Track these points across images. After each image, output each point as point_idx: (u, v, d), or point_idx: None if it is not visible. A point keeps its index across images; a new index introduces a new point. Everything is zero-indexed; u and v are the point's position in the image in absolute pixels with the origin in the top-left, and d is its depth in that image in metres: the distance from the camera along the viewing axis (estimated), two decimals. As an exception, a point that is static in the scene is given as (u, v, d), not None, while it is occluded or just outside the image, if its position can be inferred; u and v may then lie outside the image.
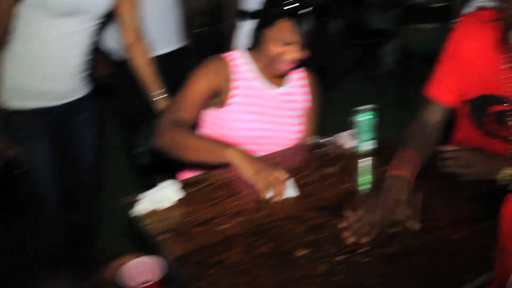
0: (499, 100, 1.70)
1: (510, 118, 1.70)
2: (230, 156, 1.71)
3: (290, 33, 1.82)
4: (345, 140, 2.01)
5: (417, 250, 1.38)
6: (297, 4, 1.81)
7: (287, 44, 1.85)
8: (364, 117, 1.89)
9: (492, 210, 1.43)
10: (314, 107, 2.18)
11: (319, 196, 1.66)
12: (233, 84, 1.96)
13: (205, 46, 5.62)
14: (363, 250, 1.38)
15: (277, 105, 2.05)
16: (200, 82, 1.91)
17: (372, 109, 1.90)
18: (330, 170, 1.83)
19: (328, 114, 4.11)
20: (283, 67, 1.91)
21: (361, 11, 5.91)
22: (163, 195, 1.61)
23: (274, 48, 1.86)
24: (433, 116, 1.83)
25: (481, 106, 1.75)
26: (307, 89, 2.15)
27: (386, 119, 1.88)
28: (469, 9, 2.77)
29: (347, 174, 1.81)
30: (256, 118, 1.98)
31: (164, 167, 2.11)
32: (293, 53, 1.87)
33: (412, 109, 1.91)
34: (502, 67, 1.67)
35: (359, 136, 1.92)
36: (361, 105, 1.95)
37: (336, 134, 2.07)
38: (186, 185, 1.72)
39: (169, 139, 1.80)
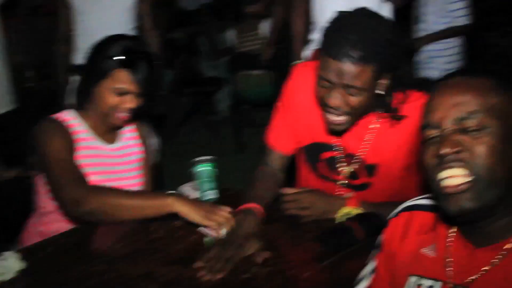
0: (329, 147, 1.86)
1: (339, 163, 1.87)
2: (175, 206, 1.72)
3: (125, 83, 1.85)
4: (188, 191, 2.06)
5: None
6: (131, 53, 1.86)
7: (123, 94, 1.87)
8: (204, 167, 1.96)
9: (335, 246, 1.59)
10: (147, 159, 2.19)
11: (169, 251, 1.68)
12: (75, 146, 1.93)
13: (33, 104, 5.40)
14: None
15: (114, 161, 2.05)
16: (59, 149, 1.86)
17: (212, 159, 1.98)
18: (177, 223, 1.86)
19: (170, 165, 4.18)
20: (120, 117, 1.92)
21: (193, 60, 6.10)
22: (3, 268, 1.52)
23: (110, 99, 1.87)
24: (274, 163, 1.98)
25: (314, 153, 1.90)
26: (139, 141, 2.16)
27: (225, 165, 1.96)
28: (307, 51, 3.01)
29: (194, 225, 1.85)
30: (97, 178, 1.95)
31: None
32: (130, 103, 1.89)
33: (249, 153, 2.03)
34: None
35: (201, 187, 1.98)
36: (202, 154, 2.02)
37: (179, 186, 2.10)
38: (27, 253, 1.64)
39: (98, 203, 1.74)
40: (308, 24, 3.01)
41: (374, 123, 1.77)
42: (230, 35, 5.27)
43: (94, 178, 1.93)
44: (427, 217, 1.22)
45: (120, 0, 3.01)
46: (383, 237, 1.31)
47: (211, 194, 1.98)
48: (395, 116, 1.72)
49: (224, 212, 1.72)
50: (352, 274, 1.51)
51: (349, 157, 1.84)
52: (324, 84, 1.62)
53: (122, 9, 3.03)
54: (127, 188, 1.97)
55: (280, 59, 4.23)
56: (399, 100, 1.71)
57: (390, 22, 1.65)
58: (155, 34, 3.24)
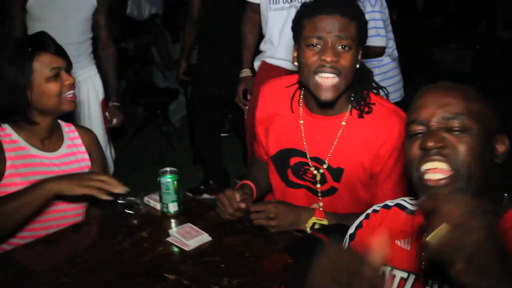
0: (297, 152, 1.90)
1: (307, 168, 1.89)
2: (53, 187, 1.72)
3: (51, 62, 1.87)
4: (151, 202, 2.03)
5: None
6: (34, 40, 1.91)
7: (57, 75, 1.88)
8: (167, 179, 1.93)
9: (303, 255, 1.60)
10: (96, 166, 2.12)
11: (134, 263, 1.65)
12: (6, 155, 1.86)
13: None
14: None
15: (54, 169, 1.95)
16: None
17: (175, 171, 1.96)
18: (143, 234, 1.83)
19: (126, 174, 4.12)
20: (70, 98, 1.93)
21: (146, 70, 6.03)
22: None
23: (50, 88, 1.86)
24: (260, 162, 2.12)
25: (283, 160, 1.94)
26: (83, 149, 2.09)
27: (183, 176, 1.96)
28: (256, 62, 3.08)
29: (161, 236, 1.83)
30: None
31: None
32: (68, 78, 1.91)
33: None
34: (300, 122, 1.88)
35: (163, 198, 1.95)
36: (158, 164, 2.00)
37: (144, 196, 2.07)
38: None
39: None
40: (259, 36, 3.10)
41: (341, 124, 1.82)
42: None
43: None
44: (405, 217, 1.28)
45: (79, 10, 2.96)
46: (358, 228, 1.36)
47: (174, 206, 1.95)
48: (364, 108, 1.79)
49: (101, 176, 1.79)
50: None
51: (316, 161, 1.87)
52: (315, 48, 1.68)
53: (81, 19, 2.99)
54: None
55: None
56: (365, 97, 1.81)
57: None
58: (112, 45, 3.20)
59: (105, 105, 3.20)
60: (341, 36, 1.65)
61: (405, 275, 1.19)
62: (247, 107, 3.12)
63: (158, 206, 2.01)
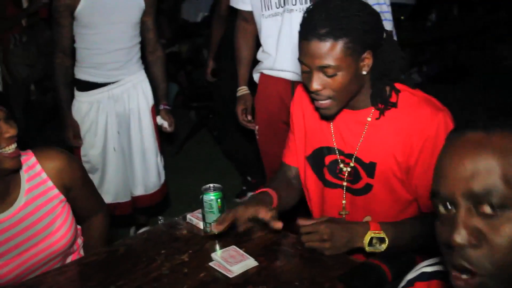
0: (331, 150, 1.80)
1: (341, 165, 1.78)
2: None
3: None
4: (193, 220, 1.88)
5: None
6: None
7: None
8: (210, 197, 1.78)
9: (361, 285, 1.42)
10: (80, 186, 1.85)
11: (173, 290, 1.51)
12: None
13: (35, 117, 5.26)
14: None
15: (15, 232, 1.70)
16: None
17: (219, 188, 1.81)
18: (184, 257, 1.68)
19: (182, 180, 4.02)
20: (10, 155, 1.60)
21: (198, 73, 5.94)
22: None
23: None
24: (288, 172, 1.99)
25: (318, 159, 1.84)
26: (50, 184, 1.76)
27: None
28: (255, 74, 2.82)
29: (201, 260, 1.68)
30: (2, 261, 1.67)
31: None
32: (7, 130, 1.57)
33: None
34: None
35: (206, 217, 1.80)
36: (210, 171, 1.85)
37: (187, 214, 1.93)
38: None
39: None
40: (255, 48, 2.87)
41: (369, 117, 1.71)
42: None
43: (2, 261, 1.67)
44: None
45: (128, 14, 2.87)
46: None
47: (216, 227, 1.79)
48: (388, 105, 1.67)
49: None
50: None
51: (348, 157, 1.77)
52: (305, 70, 1.63)
53: (130, 23, 2.90)
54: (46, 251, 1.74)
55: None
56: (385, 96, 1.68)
57: (362, 2, 1.61)
58: (160, 48, 3.11)
59: (155, 111, 3.11)
60: (322, 65, 1.56)
61: None
62: (256, 127, 2.88)
63: (201, 225, 1.86)
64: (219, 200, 1.78)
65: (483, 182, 0.80)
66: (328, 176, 1.83)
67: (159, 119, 3.15)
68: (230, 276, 1.57)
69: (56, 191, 1.77)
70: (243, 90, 2.96)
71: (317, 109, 1.70)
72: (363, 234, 1.63)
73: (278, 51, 2.61)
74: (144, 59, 3.10)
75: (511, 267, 0.79)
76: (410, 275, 1.13)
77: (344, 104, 1.67)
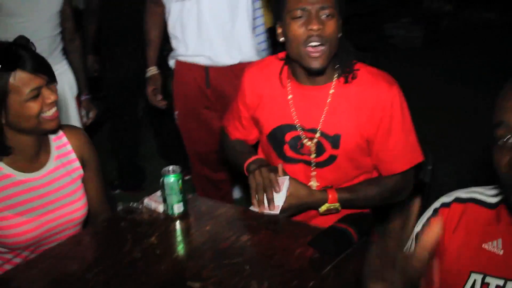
0: (292, 127, 1.88)
1: (303, 141, 1.88)
2: None
3: (29, 82, 1.64)
4: (153, 204, 1.90)
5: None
6: (10, 53, 1.66)
7: (37, 95, 1.66)
8: (172, 178, 1.81)
9: (334, 250, 1.53)
10: (92, 168, 1.96)
11: (151, 273, 1.54)
12: None
13: None
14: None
15: (43, 192, 1.79)
16: None
17: (179, 169, 1.84)
18: (153, 240, 1.71)
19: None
20: (51, 117, 1.72)
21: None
22: None
23: (30, 108, 1.64)
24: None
25: (278, 137, 1.91)
26: (73, 156, 1.90)
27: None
28: (171, 61, 2.87)
29: (170, 241, 1.72)
30: (28, 217, 1.74)
31: None
32: (49, 96, 1.69)
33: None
34: (288, 98, 1.87)
35: (168, 199, 1.83)
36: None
37: (144, 198, 1.94)
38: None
39: None
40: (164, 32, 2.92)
41: (331, 92, 1.83)
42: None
43: (25, 218, 1.72)
44: (486, 212, 1.17)
45: (51, 3, 2.83)
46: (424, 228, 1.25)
47: (179, 207, 1.83)
48: (350, 75, 1.81)
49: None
50: (357, 276, 1.47)
51: (311, 132, 1.87)
52: (300, 15, 1.71)
53: (53, 11, 2.85)
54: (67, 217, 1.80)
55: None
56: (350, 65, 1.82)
57: None
58: (78, 37, 3.05)
59: (79, 100, 3.04)
60: (323, 6, 1.69)
61: (501, 282, 1.09)
62: (176, 112, 2.92)
63: (159, 208, 1.88)
64: (179, 181, 1.81)
65: None
66: (289, 153, 1.91)
67: (83, 110, 3.09)
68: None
69: (78, 163, 1.91)
70: (152, 70, 2.97)
71: (307, 62, 1.74)
72: (320, 204, 1.79)
73: (187, 36, 2.64)
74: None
75: None
76: (444, 199, 1.26)
77: (329, 60, 1.75)
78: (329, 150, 1.85)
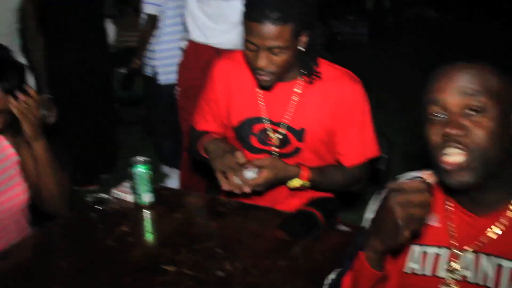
0: (259, 119, 1.92)
1: (270, 133, 1.92)
2: None
3: None
4: (122, 194, 1.94)
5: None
6: None
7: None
8: (141, 169, 1.85)
9: (302, 232, 1.61)
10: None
11: (126, 259, 1.58)
12: None
13: None
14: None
15: None
16: None
17: (148, 160, 1.88)
18: (123, 228, 1.74)
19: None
20: None
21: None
22: None
23: None
24: None
25: (245, 129, 1.95)
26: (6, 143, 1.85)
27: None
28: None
29: (142, 228, 1.76)
30: None
31: None
32: None
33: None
34: (257, 90, 1.91)
35: (137, 189, 1.87)
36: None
37: (113, 188, 1.97)
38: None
39: None
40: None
41: (297, 88, 1.88)
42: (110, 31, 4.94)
43: None
44: None
45: (7, 1, 2.80)
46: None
47: (149, 197, 1.87)
48: (315, 75, 1.85)
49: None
50: (325, 256, 1.56)
51: (277, 125, 1.92)
52: (250, 48, 1.73)
53: (8, 7, 2.81)
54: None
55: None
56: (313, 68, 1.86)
57: None
58: (40, 35, 3.01)
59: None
60: (272, 46, 1.68)
61: (437, 250, 1.22)
62: (178, 88, 3.08)
63: (128, 198, 1.91)
64: (149, 171, 1.85)
65: (471, 91, 1.10)
66: (256, 143, 1.95)
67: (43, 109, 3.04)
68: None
69: (11, 150, 1.84)
70: None
71: (257, 80, 1.80)
72: (292, 177, 1.83)
73: (204, 20, 2.84)
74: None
75: (488, 151, 1.09)
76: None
77: (281, 77, 1.80)
78: (294, 143, 1.91)
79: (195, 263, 1.54)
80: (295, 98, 1.88)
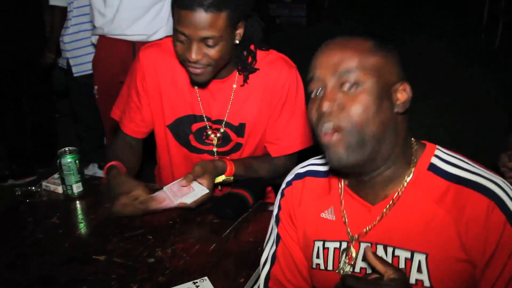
0: (197, 118, 1.88)
1: (209, 132, 1.89)
2: None
3: None
4: (51, 186, 1.91)
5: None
6: None
7: None
8: (69, 159, 1.82)
9: (233, 214, 1.64)
10: None
11: (56, 251, 1.57)
12: None
13: None
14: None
15: None
16: None
17: (74, 150, 1.86)
18: (54, 220, 1.73)
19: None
20: None
21: None
22: None
23: None
24: (127, 139, 1.98)
25: (182, 128, 1.90)
26: None
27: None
28: (94, 37, 2.92)
29: (72, 219, 1.75)
30: None
31: None
32: None
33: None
34: (194, 88, 1.85)
35: (66, 180, 1.85)
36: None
37: (42, 181, 1.94)
38: None
39: None
40: None
41: (234, 83, 1.84)
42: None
43: None
44: (320, 182, 1.31)
45: None
46: (279, 210, 1.37)
47: (78, 187, 1.85)
48: (251, 70, 1.81)
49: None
50: (255, 237, 1.60)
51: (217, 123, 1.88)
52: (181, 39, 1.63)
53: None
54: None
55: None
56: (249, 62, 1.81)
57: None
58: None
59: None
60: (205, 36, 1.59)
61: (337, 244, 1.24)
62: (96, 87, 2.95)
63: (59, 189, 1.89)
64: (76, 161, 1.84)
65: (345, 66, 1.12)
66: (194, 143, 1.91)
67: None
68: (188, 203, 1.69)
69: None
70: None
71: (190, 75, 1.71)
72: (220, 173, 1.81)
73: (113, 13, 2.69)
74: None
75: (364, 126, 1.10)
76: (287, 178, 1.38)
77: (216, 72, 1.72)
78: (234, 139, 1.89)
79: (126, 251, 1.55)
80: (231, 94, 1.84)
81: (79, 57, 3.33)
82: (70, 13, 3.27)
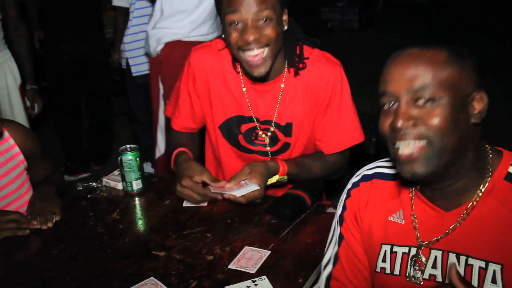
0: (246, 119, 1.89)
1: (258, 132, 1.90)
2: None
3: None
4: (112, 182, 1.95)
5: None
6: None
7: None
8: (129, 156, 1.86)
9: (291, 215, 1.63)
10: (38, 159, 1.93)
11: (116, 246, 1.59)
12: None
13: None
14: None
15: None
16: None
17: (135, 147, 1.89)
18: (114, 215, 1.76)
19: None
20: None
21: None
22: None
23: None
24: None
25: (232, 128, 1.91)
26: (17, 149, 1.83)
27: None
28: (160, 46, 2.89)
29: (132, 215, 1.78)
30: None
31: None
32: None
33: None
34: (243, 89, 1.86)
35: (127, 177, 1.88)
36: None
37: (103, 177, 1.98)
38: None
39: None
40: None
41: (282, 83, 1.83)
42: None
43: None
44: (388, 186, 1.28)
45: None
46: (344, 210, 1.35)
47: (138, 184, 1.88)
48: (298, 68, 1.80)
49: (10, 216, 1.67)
50: (313, 238, 1.58)
51: (265, 124, 1.89)
52: (236, 27, 1.65)
53: None
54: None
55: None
56: (299, 54, 1.81)
57: None
58: (23, 25, 2.99)
59: (23, 90, 2.99)
60: (260, 10, 1.61)
61: (406, 249, 1.21)
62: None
63: (119, 186, 1.93)
64: (137, 159, 1.87)
65: (420, 82, 1.08)
66: (244, 143, 1.92)
67: (28, 100, 3.03)
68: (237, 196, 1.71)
69: (21, 157, 1.84)
70: None
71: (248, 69, 1.70)
72: (272, 174, 1.81)
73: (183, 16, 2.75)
74: (7, 38, 2.96)
75: (439, 140, 1.07)
76: (353, 179, 1.35)
77: (273, 61, 1.71)
78: (282, 139, 1.89)
79: (185, 248, 1.56)
80: (278, 96, 1.84)
81: (139, 57, 3.38)
82: (131, 13, 3.34)
